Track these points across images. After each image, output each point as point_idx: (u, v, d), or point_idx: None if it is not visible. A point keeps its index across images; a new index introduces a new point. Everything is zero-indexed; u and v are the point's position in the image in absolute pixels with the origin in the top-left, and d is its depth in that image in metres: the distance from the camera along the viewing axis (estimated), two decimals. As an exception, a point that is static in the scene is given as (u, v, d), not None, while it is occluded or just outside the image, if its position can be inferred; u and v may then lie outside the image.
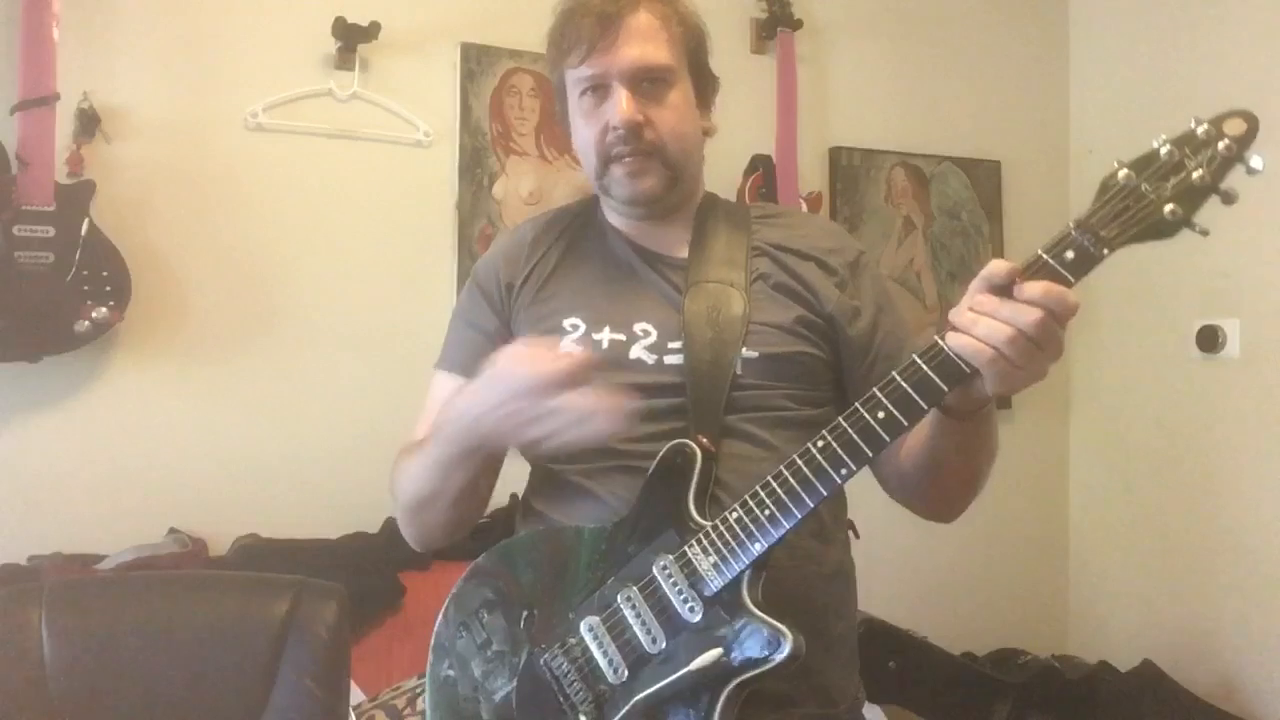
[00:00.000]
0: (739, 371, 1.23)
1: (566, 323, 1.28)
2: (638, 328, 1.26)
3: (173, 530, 2.31)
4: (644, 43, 1.24)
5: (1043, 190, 3.31)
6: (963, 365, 1.01)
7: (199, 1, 2.43)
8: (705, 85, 1.34)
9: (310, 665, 1.64)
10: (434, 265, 2.60)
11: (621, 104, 1.23)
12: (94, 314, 2.18)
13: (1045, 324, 0.97)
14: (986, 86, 3.27)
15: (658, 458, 1.18)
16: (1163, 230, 0.99)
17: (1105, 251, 0.99)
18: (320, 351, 2.49)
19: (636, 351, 1.25)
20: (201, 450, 2.38)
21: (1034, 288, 0.98)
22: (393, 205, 2.58)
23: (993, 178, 3.26)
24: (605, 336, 1.26)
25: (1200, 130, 0.98)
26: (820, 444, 1.08)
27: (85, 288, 2.18)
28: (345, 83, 2.52)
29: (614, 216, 1.36)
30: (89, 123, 2.27)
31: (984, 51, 3.28)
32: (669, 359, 1.24)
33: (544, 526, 1.27)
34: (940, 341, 1.03)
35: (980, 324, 0.99)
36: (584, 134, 1.28)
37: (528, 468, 1.38)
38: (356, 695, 2.07)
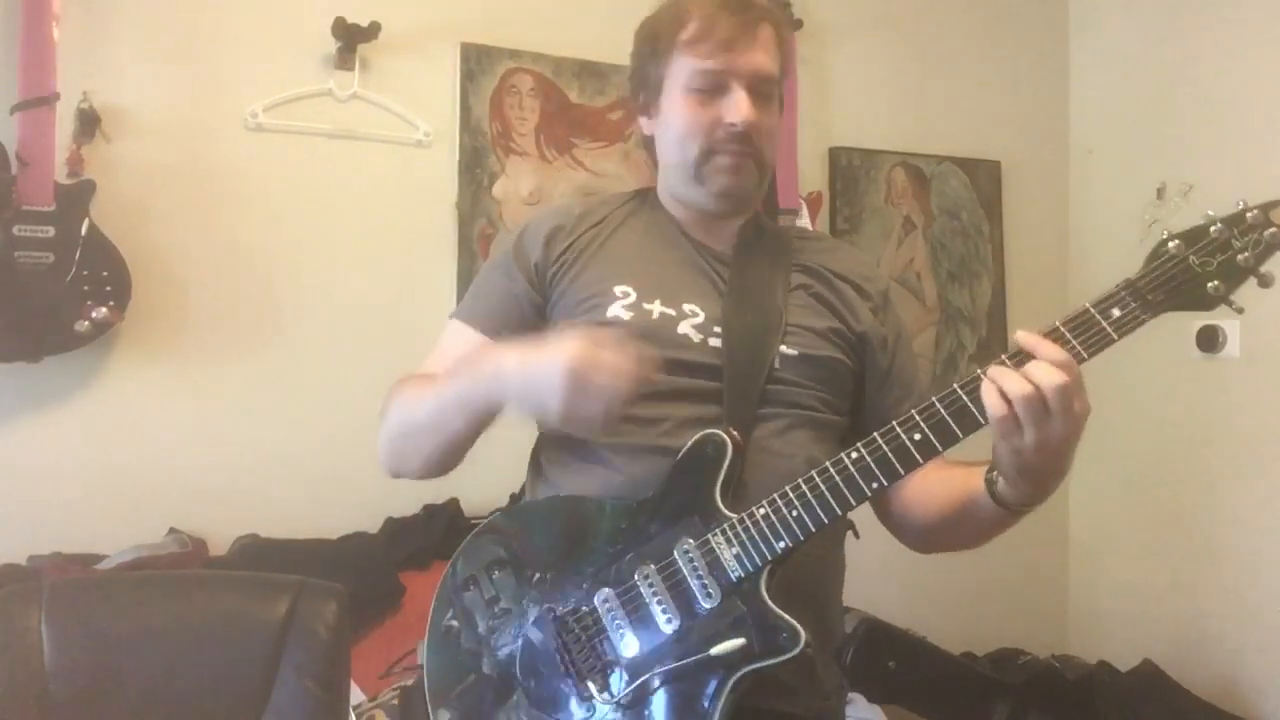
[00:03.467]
0: (777, 366, 1.27)
1: (618, 289, 1.30)
2: (687, 307, 1.29)
3: (173, 530, 2.31)
4: (765, 53, 1.31)
5: (1043, 190, 3.31)
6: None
7: (199, 1, 2.43)
8: (782, 103, 1.40)
9: (310, 665, 1.64)
10: (434, 265, 2.60)
11: (745, 106, 1.28)
12: (94, 314, 2.18)
13: (1055, 386, 1.03)
14: (986, 86, 3.27)
15: (689, 444, 1.20)
16: (1203, 303, 1.07)
17: (1148, 316, 1.07)
18: (320, 351, 2.49)
19: (684, 328, 1.28)
20: (201, 450, 2.38)
21: (1050, 351, 1.05)
22: (393, 205, 2.58)
23: (993, 178, 3.26)
24: (656, 308, 1.29)
25: (1250, 215, 1.06)
26: (854, 455, 1.14)
27: (85, 288, 2.18)
28: (345, 83, 2.52)
29: (674, 206, 1.39)
30: (89, 123, 2.27)
31: (984, 51, 3.28)
32: (712, 341, 1.27)
33: (562, 493, 1.28)
34: (981, 372, 1.08)
35: (1005, 375, 1.06)
36: (687, 119, 1.31)
37: (524, 463, 1.38)
38: (356, 695, 2.07)
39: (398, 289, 2.57)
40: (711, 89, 1.30)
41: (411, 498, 2.47)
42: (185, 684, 1.61)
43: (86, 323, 2.18)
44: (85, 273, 2.18)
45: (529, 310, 1.34)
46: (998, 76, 3.29)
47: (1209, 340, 2.91)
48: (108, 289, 2.20)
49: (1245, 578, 2.85)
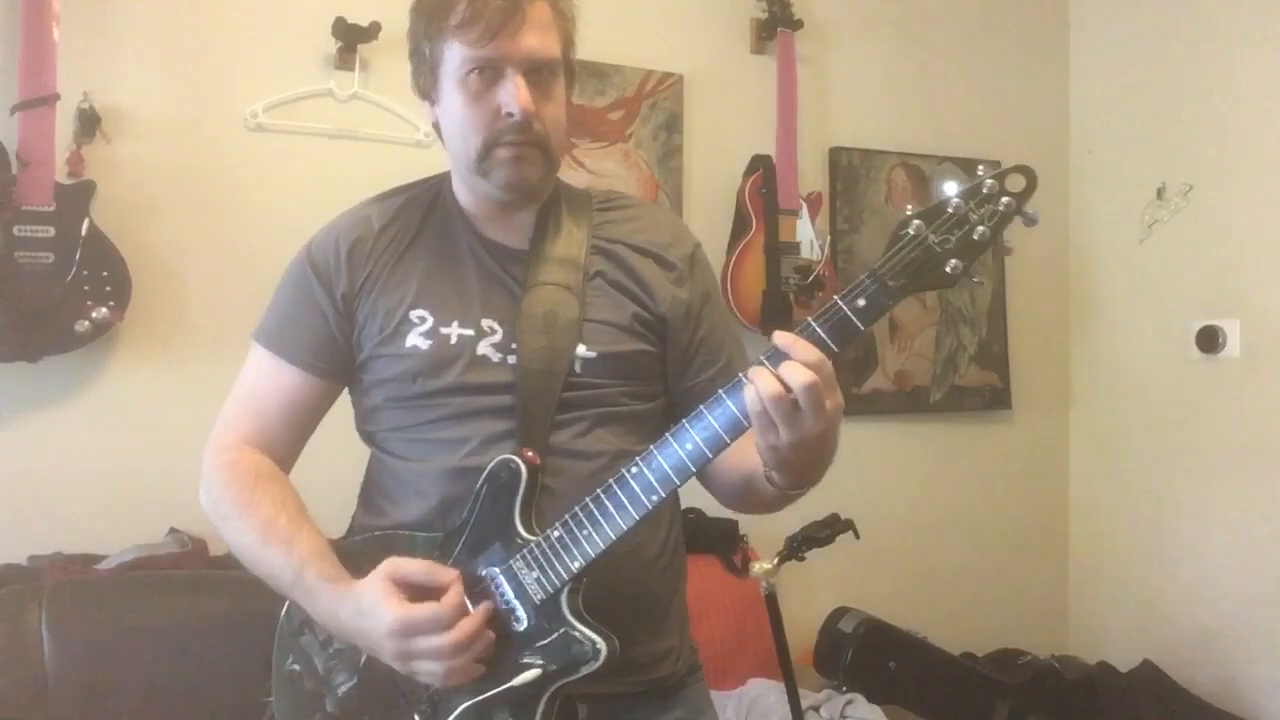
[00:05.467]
0: (578, 370, 1.27)
1: (414, 314, 1.29)
2: (485, 324, 1.29)
3: (173, 530, 2.31)
4: (541, 34, 1.25)
5: (1043, 190, 3.28)
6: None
7: (199, 1, 2.43)
8: (572, 77, 1.35)
9: (310, 665, 1.64)
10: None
11: (522, 94, 1.23)
12: (94, 314, 2.18)
13: (804, 385, 1.04)
14: (986, 86, 3.27)
15: (485, 472, 1.22)
16: (944, 282, 1.07)
17: (891, 301, 1.07)
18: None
19: (483, 348, 1.28)
20: (201, 450, 2.37)
21: (802, 351, 1.06)
22: (393, 205, 2.57)
23: (993, 178, 3.25)
24: (454, 331, 1.28)
25: (985, 185, 1.05)
26: (634, 470, 1.14)
27: (85, 288, 2.18)
28: (345, 83, 2.52)
29: (466, 196, 1.35)
30: (89, 123, 2.27)
31: (984, 51, 3.28)
32: (511, 358, 1.27)
33: (380, 525, 1.31)
34: (743, 375, 1.09)
35: (760, 375, 1.06)
36: (466, 113, 1.26)
37: None
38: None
39: (398, 289, 2.56)
40: (487, 75, 1.24)
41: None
42: (185, 684, 1.61)
43: (86, 323, 2.18)
44: (85, 273, 2.18)
45: (340, 340, 1.33)
46: (998, 76, 3.29)
47: (1209, 340, 2.91)
48: (108, 289, 2.20)
49: (1245, 578, 2.85)
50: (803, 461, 1.12)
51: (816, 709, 2.49)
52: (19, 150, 2.15)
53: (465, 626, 1.15)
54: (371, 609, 1.17)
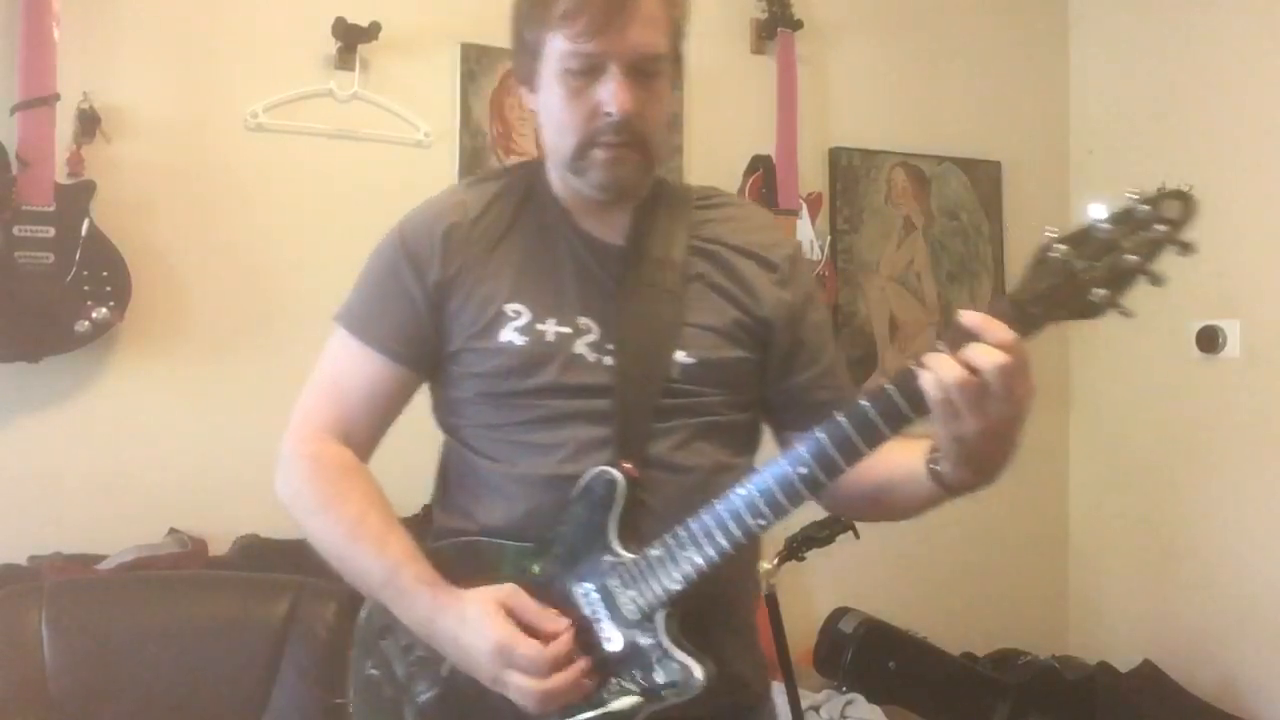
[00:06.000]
0: (674, 377, 1.22)
1: (509, 308, 1.23)
2: (582, 321, 1.23)
3: (173, 530, 2.31)
4: (648, 29, 1.18)
5: (1043, 190, 3.31)
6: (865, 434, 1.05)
7: (199, 1, 2.43)
8: (678, 71, 1.30)
9: (310, 665, 1.64)
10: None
11: (622, 94, 1.17)
12: (94, 314, 2.18)
13: (997, 367, 0.98)
14: (986, 86, 3.27)
15: (581, 483, 1.17)
16: (1088, 312, 0.99)
17: (1027, 330, 1.00)
18: (320, 351, 2.48)
19: (580, 347, 1.22)
20: (201, 450, 2.38)
21: (996, 331, 0.99)
22: (393, 206, 2.54)
23: (993, 178, 3.25)
24: (550, 328, 1.22)
25: (1139, 210, 0.97)
26: (741, 491, 1.10)
27: (85, 288, 2.18)
28: (345, 83, 2.52)
29: (561, 188, 1.29)
30: (89, 123, 2.27)
31: (984, 51, 3.28)
32: (607, 359, 1.22)
33: (468, 529, 1.25)
34: (913, 364, 1.03)
35: (941, 360, 1.00)
36: (564, 108, 1.20)
37: None
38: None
39: (398, 289, 2.56)
40: (588, 71, 1.18)
41: (412, 498, 2.47)
42: (185, 684, 1.61)
43: (86, 323, 2.18)
44: (85, 273, 2.18)
45: (430, 331, 1.26)
46: (998, 76, 3.29)
47: (1209, 340, 2.91)
48: (108, 289, 2.20)
49: (1245, 578, 2.85)
50: (989, 453, 1.05)
51: (816, 709, 2.49)
52: (19, 150, 2.15)
53: (559, 680, 1.11)
54: (476, 623, 1.13)
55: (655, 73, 1.20)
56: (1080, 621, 3.32)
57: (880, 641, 2.70)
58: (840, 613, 2.75)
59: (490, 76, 2.66)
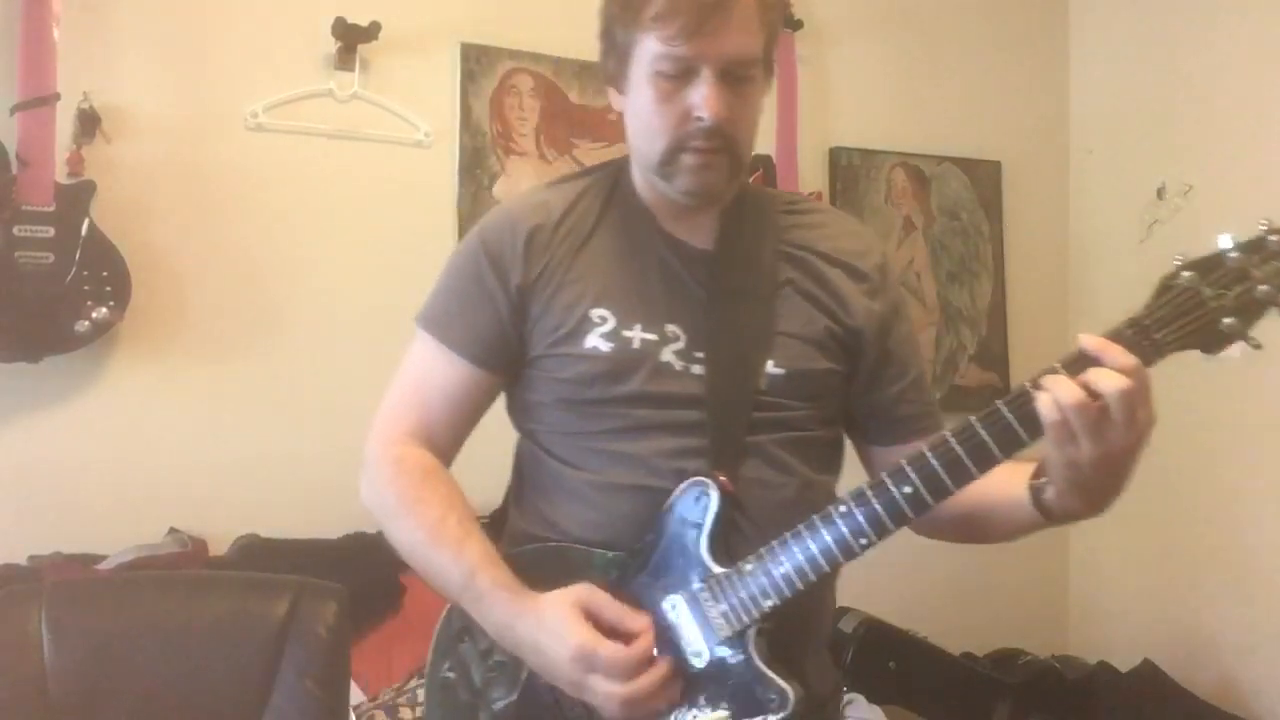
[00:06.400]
0: (764, 388, 1.19)
1: (595, 314, 1.21)
2: (669, 329, 1.21)
3: (173, 530, 2.31)
4: (742, 32, 1.15)
5: (1043, 190, 3.31)
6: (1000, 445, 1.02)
7: (199, 1, 2.43)
8: (771, 70, 1.25)
9: (310, 665, 1.63)
10: (434, 266, 2.55)
11: (715, 99, 1.15)
12: (94, 314, 2.18)
13: (1118, 391, 0.96)
14: (986, 86, 3.27)
15: (675, 495, 1.15)
16: (1217, 343, 0.98)
17: (1154, 358, 0.98)
18: (320, 351, 2.49)
19: (667, 355, 1.20)
20: (201, 450, 2.38)
21: (1117, 355, 0.98)
22: (393, 206, 2.57)
23: (993, 178, 3.26)
24: (636, 335, 1.20)
25: (1270, 241, 0.96)
26: (843, 509, 1.09)
27: (85, 288, 2.18)
28: (345, 83, 2.52)
29: (647, 190, 1.27)
30: (89, 123, 2.27)
31: (984, 51, 3.28)
32: (695, 368, 1.20)
33: (550, 535, 1.23)
34: (1028, 386, 1.00)
35: (1060, 382, 0.98)
36: (654, 111, 1.18)
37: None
38: (356, 695, 2.07)
39: (397, 289, 2.54)
40: (680, 75, 1.15)
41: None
42: (185, 684, 1.60)
43: (86, 323, 2.18)
44: (85, 273, 2.18)
45: (512, 335, 1.24)
46: (998, 76, 3.29)
47: (1209, 340, 2.90)
48: (108, 289, 2.20)
49: (1245, 578, 2.85)
50: (1101, 482, 1.04)
51: (816, 709, 2.49)
52: (19, 150, 2.15)
53: (643, 683, 1.09)
54: (555, 627, 1.10)
55: (748, 77, 1.18)
56: (1080, 621, 3.32)
57: (880, 641, 2.70)
58: (840, 613, 2.75)
59: (490, 76, 2.66)
